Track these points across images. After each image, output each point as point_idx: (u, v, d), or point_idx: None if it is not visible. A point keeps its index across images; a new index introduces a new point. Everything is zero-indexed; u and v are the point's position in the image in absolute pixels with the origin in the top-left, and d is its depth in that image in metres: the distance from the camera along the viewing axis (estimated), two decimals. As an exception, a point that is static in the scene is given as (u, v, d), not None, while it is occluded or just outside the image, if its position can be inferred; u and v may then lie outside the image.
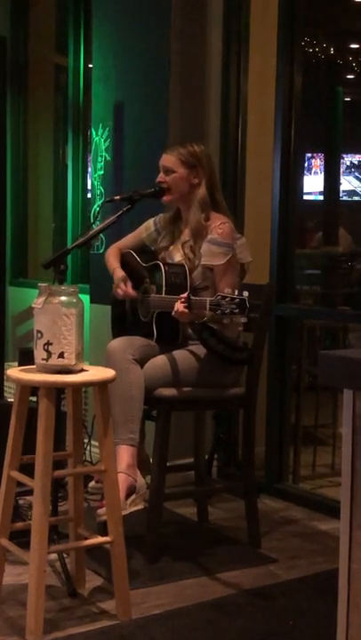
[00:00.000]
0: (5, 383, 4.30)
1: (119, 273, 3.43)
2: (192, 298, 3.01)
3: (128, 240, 3.60)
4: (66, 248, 3.01)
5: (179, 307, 3.03)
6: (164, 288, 3.25)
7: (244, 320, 2.89)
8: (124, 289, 3.37)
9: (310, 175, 12.26)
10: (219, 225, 3.30)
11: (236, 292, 2.88)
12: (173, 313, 3.06)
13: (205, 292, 3.26)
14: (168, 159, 3.40)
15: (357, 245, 8.97)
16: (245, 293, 2.86)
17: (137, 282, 3.43)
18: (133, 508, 3.07)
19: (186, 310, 3.00)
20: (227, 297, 2.88)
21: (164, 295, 3.24)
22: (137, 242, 3.57)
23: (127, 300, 3.48)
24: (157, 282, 3.31)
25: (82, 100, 5.51)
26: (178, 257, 3.40)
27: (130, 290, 3.38)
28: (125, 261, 3.52)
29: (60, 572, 3.00)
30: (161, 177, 3.40)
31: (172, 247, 3.46)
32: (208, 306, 2.92)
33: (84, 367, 2.73)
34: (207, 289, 3.28)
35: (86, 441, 3.88)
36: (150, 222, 3.55)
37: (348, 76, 10.91)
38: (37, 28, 6.23)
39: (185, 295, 3.03)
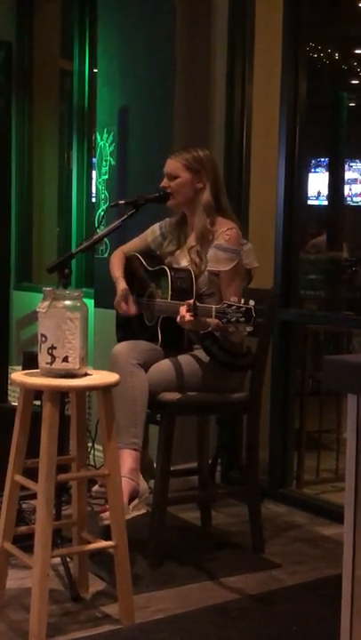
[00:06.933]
0: (9, 387, 4.32)
1: (122, 285, 3.38)
2: (198, 305, 3.00)
3: (133, 244, 3.59)
4: (70, 252, 3.01)
5: (183, 313, 3.01)
6: (169, 293, 3.24)
7: (249, 329, 2.88)
8: (125, 308, 3.35)
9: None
10: (226, 230, 3.29)
11: (243, 301, 2.88)
12: (178, 320, 3.05)
13: (211, 298, 3.26)
14: (172, 164, 3.39)
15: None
16: (251, 302, 2.85)
17: (142, 286, 3.43)
18: (136, 513, 3.06)
19: (191, 318, 2.98)
20: (233, 305, 2.87)
21: (169, 300, 3.23)
22: (142, 246, 3.56)
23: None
24: (163, 286, 3.30)
25: (87, 105, 5.53)
26: (184, 262, 3.40)
27: (131, 309, 3.36)
28: (131, 265, 3.51)
29: (64, 576, 3.00)
30: (165, 182, 3.40)
31: (178, 252, 3.45)
32: (214, 313, 2.91)
33: (88, 371, 2.73)
34: (213, 295, 3.28)
35: (90, 445, 3.88)
36: (156, 227, 3.55)
37: (353, 82, 10.91)
38: (43, 32, 6.25)
39: (190, 301, 3.02)
